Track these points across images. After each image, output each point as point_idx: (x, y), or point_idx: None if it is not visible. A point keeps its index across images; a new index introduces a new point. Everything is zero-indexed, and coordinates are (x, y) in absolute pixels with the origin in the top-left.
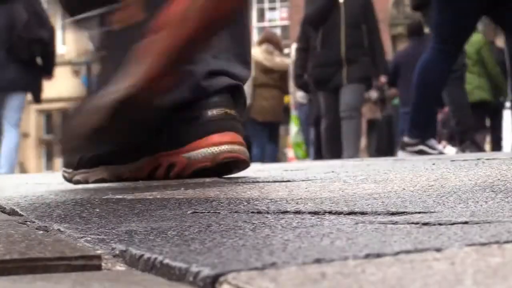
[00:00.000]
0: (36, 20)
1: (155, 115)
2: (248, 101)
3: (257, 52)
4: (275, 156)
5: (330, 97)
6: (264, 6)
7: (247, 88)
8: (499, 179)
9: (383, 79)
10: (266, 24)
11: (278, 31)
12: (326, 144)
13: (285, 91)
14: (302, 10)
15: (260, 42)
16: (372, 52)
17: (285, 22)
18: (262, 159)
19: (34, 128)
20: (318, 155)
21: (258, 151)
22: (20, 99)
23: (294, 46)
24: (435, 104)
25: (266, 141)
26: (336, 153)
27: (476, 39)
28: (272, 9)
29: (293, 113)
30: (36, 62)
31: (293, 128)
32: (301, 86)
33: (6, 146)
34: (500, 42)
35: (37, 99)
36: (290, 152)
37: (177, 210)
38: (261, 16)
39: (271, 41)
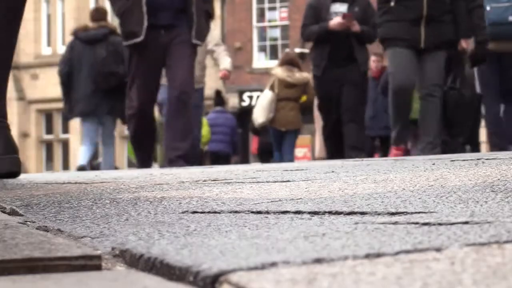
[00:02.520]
0: (113, 57)
1: None
2: (271, 114)
3: (279, 71)
4: (293, 158)
5: (404, 55)
6: (264, 6)
7: (269, 103)
8: (499, 179)
9: (464, 43)
10: (266, 24)
11: (278, 31)
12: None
13: (307, 102)
14: (302, 10)
15: (282, 64)
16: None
17: (285, 22)
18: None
19: (34, 128)
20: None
21: (278, 155)
22: (109, 123)
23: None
24: None
25: (286, 147)
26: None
27: None
28: (272, 9)
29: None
30: (117, 91)
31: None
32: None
33: (107, 163)
34: None
35: (123, 121)
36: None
37: (177, 209)
38: (261, 16)
39: (291, 62)
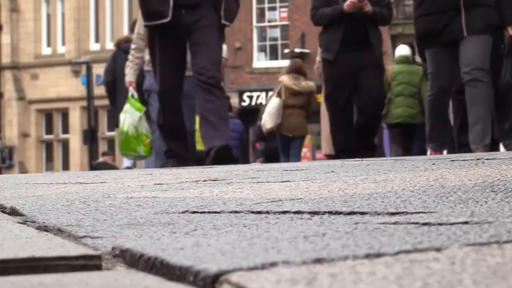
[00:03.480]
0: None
1: None
2: (279, 120)
3: (286, 79)
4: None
5: (442, 55)
6: (264, 6)
7: (277, 110)
8: (499, 179)
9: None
10: (266, 24)
11: (278, 31)
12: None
13: (311, 110)
14: (302, 10)
15: (288, 71)
16: None
17: (285, 22)
18: None
19: (34, 128)
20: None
21: (285, 159)
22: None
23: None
24: None
25: (293, 152)
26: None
27: None
28: (272, 9)
29: None
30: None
31: None
32: None
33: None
34: None
35: None
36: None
37: (177, 209)
38: (261, 16)
39: (298, 70)
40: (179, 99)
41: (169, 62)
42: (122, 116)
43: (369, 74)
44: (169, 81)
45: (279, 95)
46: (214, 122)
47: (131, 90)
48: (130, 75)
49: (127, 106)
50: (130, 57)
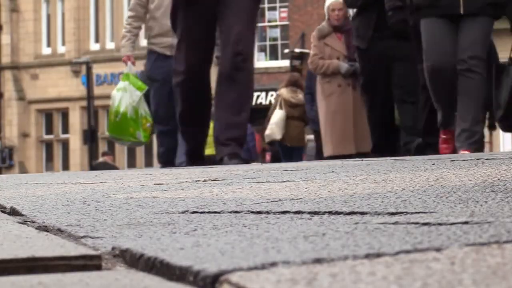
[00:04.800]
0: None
1: None
2: (283, 131)
3: (284, 92)
4: None
5: (439, 24)
6: (264, 6)
7: (282, 121)
8: (499, 179)
9: None
10: (266, 24)
11: (278, 31)
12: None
13: (307, 121)
14: (302, 10)
15: (287, 85)
16: None
17: (285, 22)
18: None
19: (34, 128)
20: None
21: None
22: None
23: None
24: None
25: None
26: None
27: None
28: (272, 9)
29: None
30: None
31: None
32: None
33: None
34: None
35: None
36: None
37: (177, 209)
38: (261, 16)
39: (295, 83)
40: (208, 78)
41: (196, 35)
42: (116, 94)
43: (403, 64)
44: (198, 58)
45: (280, 107)
46: (228, 113)
47: (129, 65)
48: (127, 48)
49: (124, 84)
50: (127, 26)
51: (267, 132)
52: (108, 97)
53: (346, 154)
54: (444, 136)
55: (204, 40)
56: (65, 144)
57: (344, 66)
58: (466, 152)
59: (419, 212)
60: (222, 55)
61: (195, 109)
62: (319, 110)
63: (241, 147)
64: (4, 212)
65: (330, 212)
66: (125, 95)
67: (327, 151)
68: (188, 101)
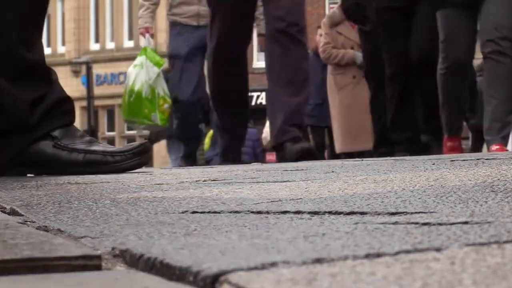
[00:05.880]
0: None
1: None
2: None
3: None
4: None
5: (457, 17)
6: None
7: None
8: (499, 179)
9: None
10: None
11: None
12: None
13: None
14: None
15: None
16: None
17: None
18: None
19: None
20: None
21: None
22: None
23: None
24: None
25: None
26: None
27: None
28: None
29: None
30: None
31: None
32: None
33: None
34: None
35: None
36: None
37: (177, 209)
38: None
39: None
40: (245, 57)
41: (231, 6)
42: (132, 71)
43: (424, 18)
44: (233, 32)
45: None
46: (285, 93)
47: (147, 38)
48: (145, 18)
49: (141, 59)
50: None
51: (263, 135)
52: (108, 97)
53: (360, 151)
54: (450, 143)
55: (241, 11)
56: None
57: (360, 56)
58: (498, 147)
59: (419, 212)
60: (269, 30)
61: (229, 87)
62: (330, 104)
63: (301, 131)
64: (4, 212)
65: (330, 212)
66: (141, 72)
67: (340, 147)
68: (220, 78)
